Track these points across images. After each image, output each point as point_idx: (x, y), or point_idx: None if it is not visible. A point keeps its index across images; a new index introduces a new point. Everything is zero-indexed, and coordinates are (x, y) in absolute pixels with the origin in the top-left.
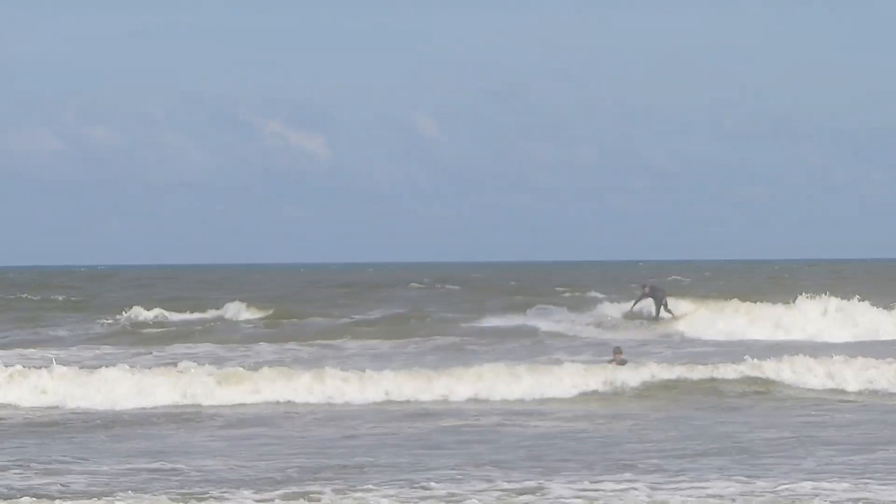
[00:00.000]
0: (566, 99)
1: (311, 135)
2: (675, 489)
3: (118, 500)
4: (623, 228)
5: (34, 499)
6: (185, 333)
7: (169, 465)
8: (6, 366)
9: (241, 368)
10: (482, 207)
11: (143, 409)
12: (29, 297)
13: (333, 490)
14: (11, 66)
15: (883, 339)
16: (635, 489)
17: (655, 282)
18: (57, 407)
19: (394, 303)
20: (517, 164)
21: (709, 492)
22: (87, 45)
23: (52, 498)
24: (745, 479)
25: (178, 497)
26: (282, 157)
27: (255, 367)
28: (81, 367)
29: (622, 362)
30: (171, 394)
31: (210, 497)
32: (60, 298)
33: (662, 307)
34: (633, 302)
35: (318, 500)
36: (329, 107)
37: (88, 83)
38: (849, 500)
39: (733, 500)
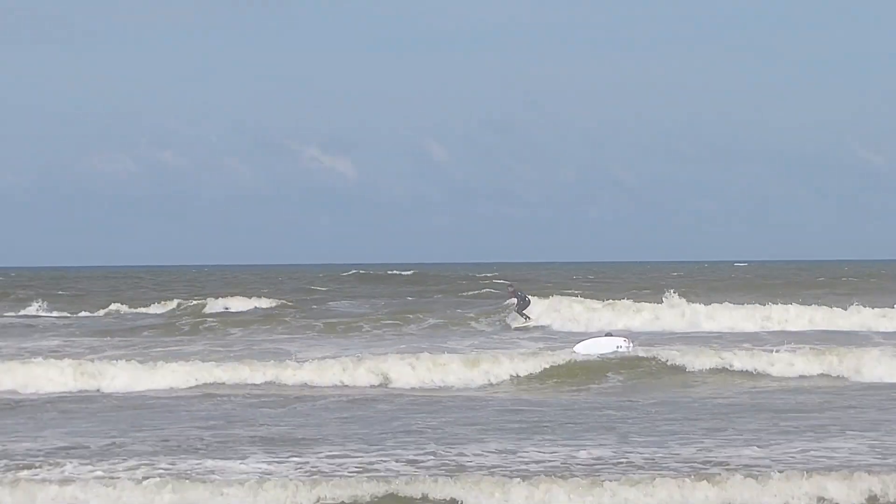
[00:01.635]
0: (546, 127)
1: (340, 157)
2: None
3: None
4: (594, 234)
5: None
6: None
7: None
8: None
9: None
10: (479, 217)
11: None
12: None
13: None
14: (98, 100)
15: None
16: None
17: (519, 286)
18: None
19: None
20: (507, 181)
21: None
22: (157, 82)
23: None
24: None
25: None
26: (316, 176)
27: None
28: None
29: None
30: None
31: None
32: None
33: (519, 310)
34: (506, 300)
35: None
36: (355, 134)
37: (158, 114)
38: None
39: None
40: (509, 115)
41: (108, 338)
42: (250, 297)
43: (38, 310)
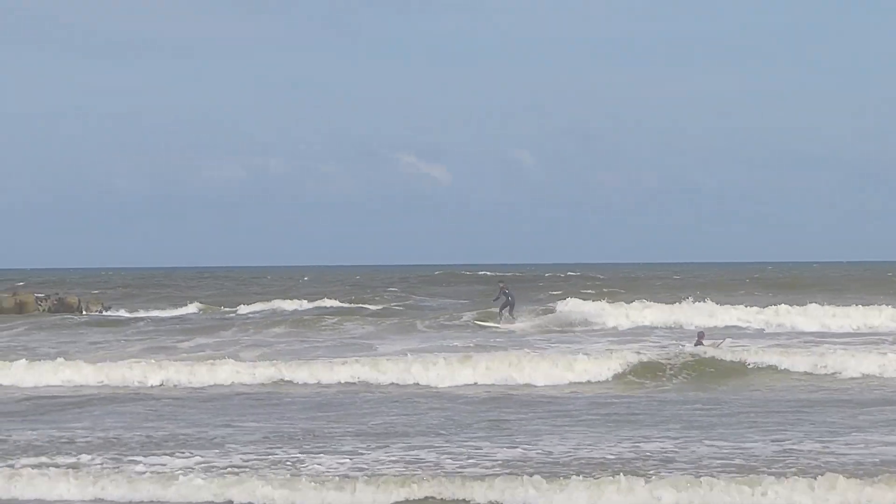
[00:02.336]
0: (626, 135)
1: (434, 164)
2: None
3: None
4: (672, 236)
5: None
6: None
7: None
8: None
9: None
10: (562, 221)
11: None
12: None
13: None
14: (208, 109)
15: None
16: None
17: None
18: None
19: None
20: (589, 187)
21: None
22: (263, 92)
23: None
24: None
25: None
26: (412, 181)
27: None
28: None
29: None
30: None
31: None
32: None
33: (508, 309)
34: (495, 299)
35: None
36: (448, 143)
37: (264, 123)
38: None
39: None
40: (592, 124)
41: (280, 329)
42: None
43: (198, 309)
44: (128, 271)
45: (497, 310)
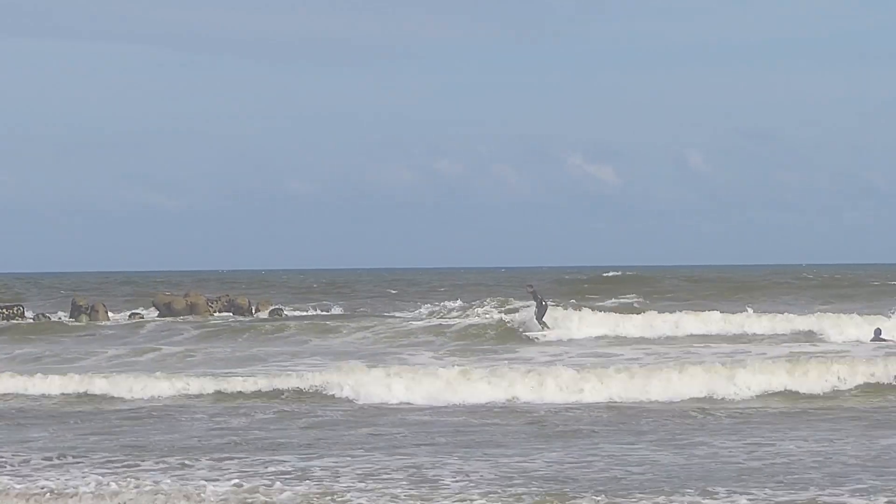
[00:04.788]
0: (799, 134)
1: (603, 165)
2: None
3: None
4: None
5: None
6: None
7: None
8: None
9: None
10: (735, 222)
11: None
12: None
13: None
14: (380, 112)
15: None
16: None
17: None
18: None
19: None
20: (763, 187)
21: None
22: (431, 98)
23: None
24: None
25: None
26: (580, 182)
27: None
28: None
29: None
30: None
31: None
32: None
33: (540, 316)
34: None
35: None
36: (618, 144)
37: (435, 125)
38: None
39: None
40: (763, 123)
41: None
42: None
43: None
44: (300, 272)
45: (536, 319)
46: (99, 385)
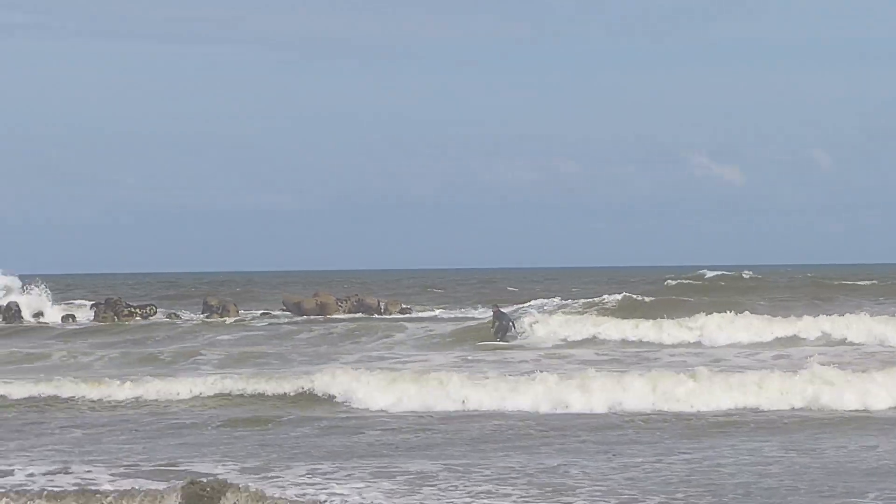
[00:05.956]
0: None
1: (727, 165)
2: None
3: None
4: None
5: None
6: None
7: None
8: None
9: None
10: (861, 223)
11: None
12: None
13: None
14: (498, 113)
15: None
16: None
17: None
18: None
19: None
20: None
21: None
22: (554, 94)
23: None
24: None
25: None
26: (704, 182)
27: None
28: None
29: None
30: None
31: None
32: None
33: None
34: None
35: None
36: (741, 145)
37: (559, 125)
38: None
39: None
40: (892, 122)
41: None
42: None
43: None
44: (421, 273)
45: (494, 335)
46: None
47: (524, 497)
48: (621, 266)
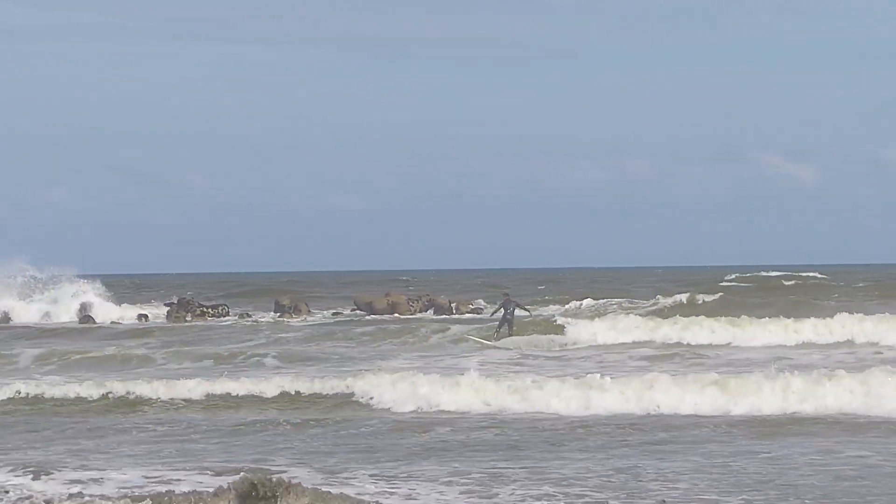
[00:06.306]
0: None
1: (799, 164)
2: None
3: None
4: None
5: None
6: None
7: None
8: None
9: None
10: None
11: None
12: None
13: None
14: (569, 114)
15: None
16: None
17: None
18: None
19: None
20: None
21: None
22: (621, 96)
23: None
24: None
25: None
26: (775, 182)
27: None
28: None
29: None
30: None
31: None
32: None
33: (507, 325)
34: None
35: None
36: (815, 144)
37: (623, 125)
38: None
39: None
40: None
41: None
42: None
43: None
44: (494, 272)
45: (498, 327)
46: None
47: (593, 497)
48: (680, 266)
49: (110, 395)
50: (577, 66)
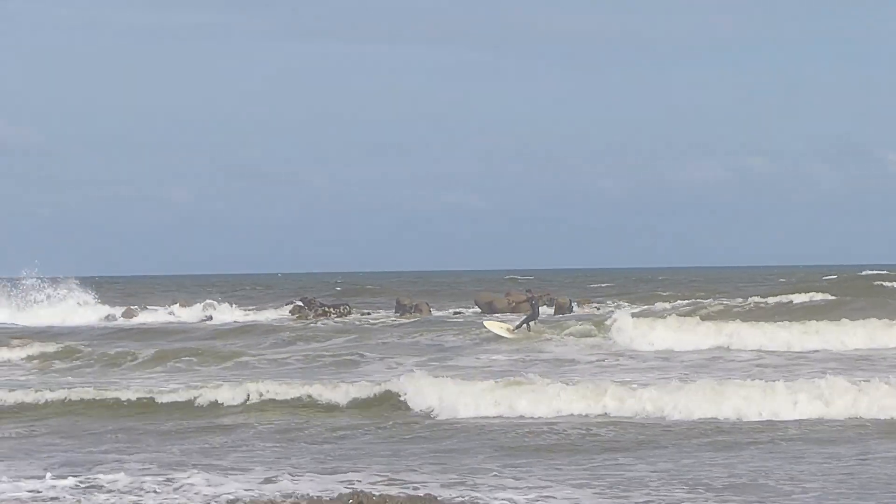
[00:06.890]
0: None
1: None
2: None
3: None
4: None
5: None
6: None
7: None
8: None
9: None
10: None
11: None
12: None
13: None
14: (691, 111)
15: None
16: None
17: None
18: None
19: None
20: None
21: None
22: (741, 93)
23: None
24: None
25: None
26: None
27: None
28: None
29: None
30: None
31: None
32: None
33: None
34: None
35: None
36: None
37: (744, 123)
38: None
39: None
40: None
41: None
42: None
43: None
44: (612, 271)
45: (525, 322)
46: None
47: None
48: (787, 265)
49: (225, 397)
50: (699, 65)
